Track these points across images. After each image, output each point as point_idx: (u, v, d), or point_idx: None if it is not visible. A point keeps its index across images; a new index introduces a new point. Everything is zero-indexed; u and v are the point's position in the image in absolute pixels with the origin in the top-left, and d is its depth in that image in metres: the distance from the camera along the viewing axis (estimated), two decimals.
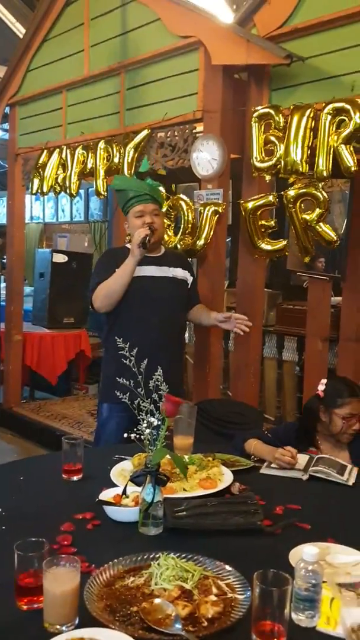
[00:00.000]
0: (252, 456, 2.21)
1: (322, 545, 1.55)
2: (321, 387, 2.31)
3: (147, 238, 2.63)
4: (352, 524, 1.75)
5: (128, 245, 2.79)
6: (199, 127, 3.52)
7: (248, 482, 1.96)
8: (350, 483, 2.03)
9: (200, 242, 3.37)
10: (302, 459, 2.16)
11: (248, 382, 3.56)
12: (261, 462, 2.18)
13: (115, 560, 1.40)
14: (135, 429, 1.65)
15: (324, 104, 2.87)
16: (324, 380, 2.34)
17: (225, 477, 1.92)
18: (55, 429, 4.72)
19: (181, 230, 3.51)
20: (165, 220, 3.60)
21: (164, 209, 3.59)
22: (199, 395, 3.51)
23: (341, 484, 2.02)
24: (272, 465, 2.14)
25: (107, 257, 2.92)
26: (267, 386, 4.72)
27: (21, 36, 5.50)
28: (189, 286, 2.93)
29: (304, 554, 1.28)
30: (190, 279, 2.94)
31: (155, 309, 2.75)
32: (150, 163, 3.79)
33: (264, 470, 2.13)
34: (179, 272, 2.86)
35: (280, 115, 3.05)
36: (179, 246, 3.48)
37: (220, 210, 3.34)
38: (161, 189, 3.66)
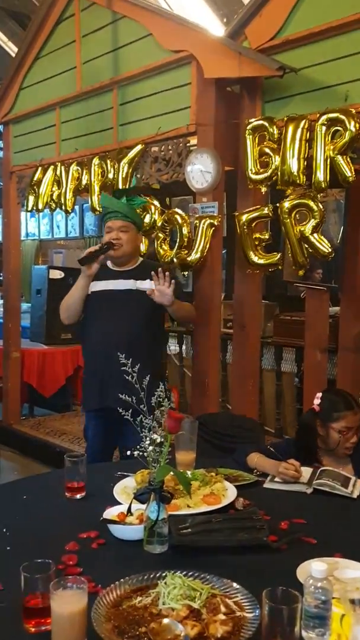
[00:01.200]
0: (255, 470, 2.20)
1: (330, 560, 1.53)
2: (317, 402, 2.29)
3: (92, 256, 2.83)
4: (358, 538, 1.73)
5: (108, 264, 2.96)
6: (193, 141, 3.53)
7: (252, 496, 1.94)
8: (355, 496, 2.01)
9: (196, 256, 3.36)
10: (306, 472, 2.13)
11: (247, 394, 3.54)
12: (264, 477, 2.16)
13: (122, 580, 1.38)
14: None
15: (318, 115, 2.88)
16: (319, 394, 2.31)
17: (229, 493, 1.90)
18: (55, 446, 4.68)
19: (177, 244, 3.50)
20: (161, 235, 3.62)
21: (159, 223, 3.61)
22: (198, 408, 3.49)
23: (346, 497, 2.00)
24: (276, 479, 2.12)
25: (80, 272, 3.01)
26: (267, 398, 4.70)
27: (14, 55, 5.54)
28: None
29: (313, 570, 1.26)
30: None
31: (113, 322, 2.82)
32: (144, 178, 3.81)
33: (267, 485, 2.11)
34: (146, 285, 2.86)
35: (274, 127, 3.06)
36: (175, 260, 3.48)
37: (215, 223, 3.35)
38: (156, 203, 3.69)
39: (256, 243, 3.20)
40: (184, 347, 5.31)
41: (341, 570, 1.49)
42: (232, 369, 3.69)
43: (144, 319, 2.87)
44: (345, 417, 2.20)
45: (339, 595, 1.35)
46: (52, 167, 4.43)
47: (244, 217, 3.21)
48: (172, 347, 5.44)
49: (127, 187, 3.81)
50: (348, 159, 2.83)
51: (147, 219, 3.72)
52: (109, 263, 2.99)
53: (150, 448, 1.59)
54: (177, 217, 3.51)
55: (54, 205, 4.45)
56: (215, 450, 2.65)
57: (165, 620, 1.21)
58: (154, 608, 1.28)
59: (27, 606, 1.23)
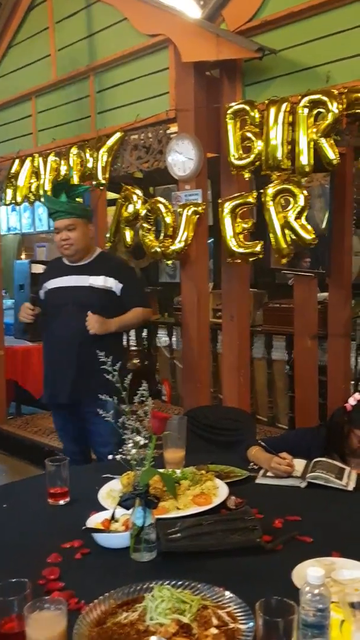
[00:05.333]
0: (251, 463, 2.13)
1: (326, 561, 1.46)
2: (352, 402, 2.22)
3: (29, 328, 2.88)
4: (355, 534, 1.66)
5: (63, 259, 2.94)
6: (173, 128, 3.44)
7: (244, 493, 1.87)
8: (351, 488, 1.95)
9: (180, 245, 3.27)
10: (299, 464, 2.07)
11: (239, 384, 3.48)
12: (260, 470, 2.09)
13: (106, 594, 1.30)
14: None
15: (299, 97, 2.80)
16: (358, 395, 2.23)
17: (220, 491, 1.83)
18: (44, 445, 4.59)
19: (162, 233, 3.41)
20: (145, 225, 3.52)
21: (142, 213, 3.52)
22: (190, 400, 3.43)
23: (341, 490, 1.94)
24: (268, 473, 2.06)
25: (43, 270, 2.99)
26: (258, 387, 4.64)
27: None
28: (119, 294, 2.85)
29: (309, 576, 1.18)
30: (118, 287, 2.85)
31: (69, 319, 2.78)
32: (124, 166, 3.71)
33: (259, 480, 2.04)
34: (99, 281, 2.82)
35: (256, 110, 2.97)
36: (158, 250, 3.39)
37: (200, 211, 3.26)
38: (138, 191, 3.59)
39: (239, 231, 3.10)
40: (173, 338, 5.23)
41: (339, 571, 1.42)
42: (223, 359, 3.62)
43: (101, 314, 2.80)
44: None
45: (337, 599, 1.28)
46: (29, 158, 4.32)
47: (228, 205, 3.12)
48: (162, 339, 5.37)
49: (107, 175, 3.72)
50: (332, 142, 2.74)
51: (130, 209, 3.63)
52: (63, 259, 2.93)
53: (133, 451, 1.51)
54: (160, 205, 3.42)
55: (32, 197, 4.35)
56: (208, 445, 2.58)
57: (153, 638, 1.14)
58: (141, 624, 1.20)
59: (1, 631, 1.15)
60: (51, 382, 2.90)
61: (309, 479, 1.98)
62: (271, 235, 2.95)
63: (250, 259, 3.17)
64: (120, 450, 1.55)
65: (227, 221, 3.11)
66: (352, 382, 4.13)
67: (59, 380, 2.83)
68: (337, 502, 1.88)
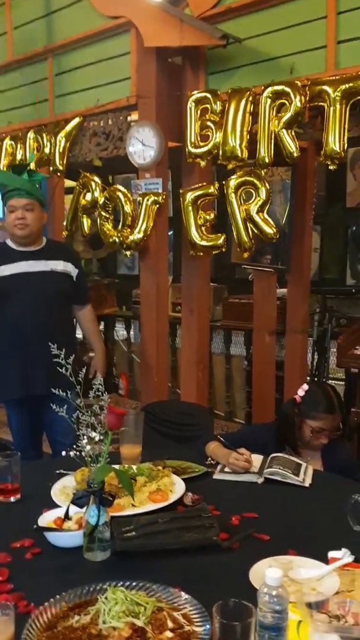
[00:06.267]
0: (209, 458, 2.10)
1: (284, 559, 1.43)
2: (300, 392, 2.24)
3: None
4: (312, 531, 1.64)
5: (8, 242, 2.83)
6: (134, 116, 3.35)
7: (201, 490, 1.83)
8: (307, 484, 1.94)
9: (139, 235, 3.20)
10: (257, 460, 2.05)
11: (197, 379, 3.44)
12: (217, 466, 2.06)
13: (58, 596, 1.24)
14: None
15: (262, 88, 2.76)
16: (306, 386, 2.25)
17: (176, 488, 1.79)
18: None
19: (120, 222, 3.33)
20: (103, 213, 3.44)
21: (101, 201, 3.43)
22: (147, 394, 3.38)
23: (298, 486, 1.92)
24: (226, 469, 2.03)
25: None
26: (216, 382, 4.63)
27: None
28: (75, 279, 2.85)
29: (267, 578, 1.15)
30: (75, 272, 2.85)
31: (30, 306, 2.70)
32: (83, 153, 3.61)
33: (217, 476, 2.01)
34: (60, 265, 2.79)
35: (218, 100, 2.92)
36: (117, 240, 3.31)
37: (160, 201, 3.19)
38: (96, 178, 3.50)
39: (201, 223, 3.06)
40: (132, 332, 5.16)
41: (296, 570, 1.40)
42: (182, 354, 3.58)
43: (60, 300, 2.79)
44: (324, 419, 2.16)
45: (295, 599, 1.25)
46: None
47: (189, 195, 3.06)
48: (120, 332, 5.28)
49: (63, 161, 3.62)
50: (293, 134, 2.72)
51: (88, 197, 3.53)
52: (10, 243, 2.83)
53: (88, 447, 1.44)
54: (120, 194, 3.33)
55: None
56: (165, 440, 2.55)
57: None
58: (94, 628, 1.15)
59: None
60: (20, 373, 2.72)
61: (266, 475, 1.96)
62: (233, 228, 2.91)
63: (213, 252, 3.12)
64: (75, 445, 1.48)
65: (189, 212, 3.05)
66: (308, 378, 4.15)
67: (33, 370, 2.68)
68: (294, 499, 1.86)
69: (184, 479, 1.86)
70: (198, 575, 1.41)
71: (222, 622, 1.06)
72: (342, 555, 1.43)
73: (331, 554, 1.45)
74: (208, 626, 1.15)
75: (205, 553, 1.49)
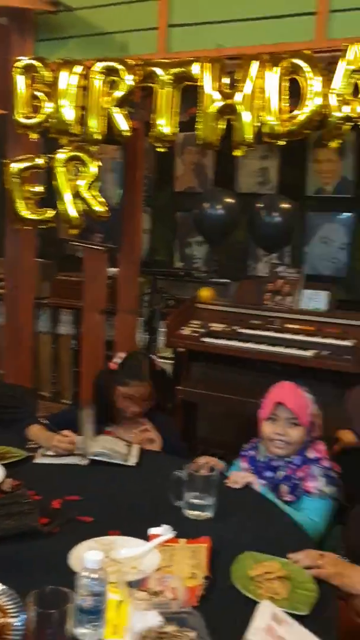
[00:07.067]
0: (31, 442, 2.02)
1: (105, 540, 1.43)
2: (117, 360, 2.23)
3: None
4: (135, 510, 1.66)
5: None
6: None
7: (22, 475, 1.77)
8: (132, 463, 1.96)
9: None
10: (81, 442, 2.02)
11: (21, 358, 3.31)
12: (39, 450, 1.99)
13: None
14: None
15: (94, 62, 2.68)
16: (122, 354, 2.25)
17: None
18: None
19: None
20: None
21: None
22: None
23: (124, 465, 1.93)
24: (49, 452, 1.97)
25: None
26: (42, 362, 4.51)
27: None
28: None
29: (86, 561, 1.13)
30: None
31: None
32: None
33: (38, 460, 1.95)
34: None
35: (48, 69, 2.78)
36: None
37: None
38: None
39: (28, 196, 2.91)
40: None
41: (117, 550, 1.40)
42: (4, 332, 3.41)
43: None
44: (131, 385, 2.16)
45: (115, 579, 1.25)
46: None
47: (15, 166, 2.89)
48: None
49: None
50: (125, 112, 2.68)
51: None
52: None
53: None
54: None
55: None
56: None
57: None
58: None
59: None
60: None
61: (91, 456, 1.94)
62: (58, 203, 2.81)
63: (41, 227, 3.00)
64: None
65: (15, 184, 2.89)
66: None
67: None
68: (119, 479, 1.87)
69: (3, 465, 1.78)
70: (15, 565, 1.35)
71: (37, 611, 1.03)
72: (163, 532, 1.47)
73: (151, 530, 1.47)
74: (24, 616, 1.11)
75: (25, 540, 1.44)
